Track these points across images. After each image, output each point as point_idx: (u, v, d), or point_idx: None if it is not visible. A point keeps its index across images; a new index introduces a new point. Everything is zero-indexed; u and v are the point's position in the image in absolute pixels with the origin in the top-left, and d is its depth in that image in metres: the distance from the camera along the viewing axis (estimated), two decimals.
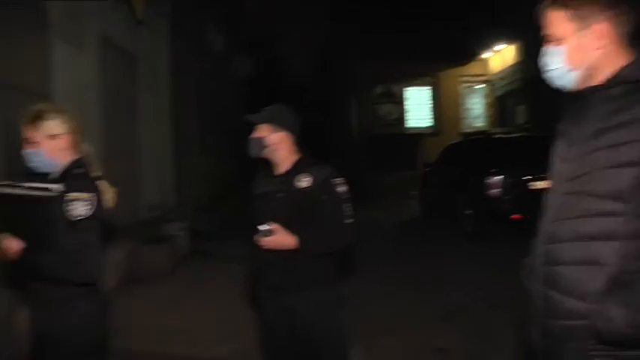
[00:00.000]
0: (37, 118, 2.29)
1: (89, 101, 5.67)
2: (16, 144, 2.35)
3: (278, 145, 2.77)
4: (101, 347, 2.46)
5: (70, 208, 2.14)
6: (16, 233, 2.23)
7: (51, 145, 2.30)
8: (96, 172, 2.41)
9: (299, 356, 2.88)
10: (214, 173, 10.37)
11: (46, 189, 2.15)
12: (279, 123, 2.78)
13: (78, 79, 5.46)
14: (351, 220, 2.72)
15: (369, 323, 4.47)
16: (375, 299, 5.31)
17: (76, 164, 2.34)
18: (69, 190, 2.16)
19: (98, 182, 2.34)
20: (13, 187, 2.21)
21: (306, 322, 2.76)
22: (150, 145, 7.64)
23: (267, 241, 2.64)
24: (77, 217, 2.15)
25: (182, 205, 8.49)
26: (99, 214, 2.21)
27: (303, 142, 2.88)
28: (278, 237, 2.62)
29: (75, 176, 2.26)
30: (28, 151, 2.32)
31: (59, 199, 2.14)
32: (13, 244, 2.21)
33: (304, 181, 2.70)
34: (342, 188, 2.73)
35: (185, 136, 8.97)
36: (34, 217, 2.20)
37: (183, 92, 8.89)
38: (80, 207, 2.15)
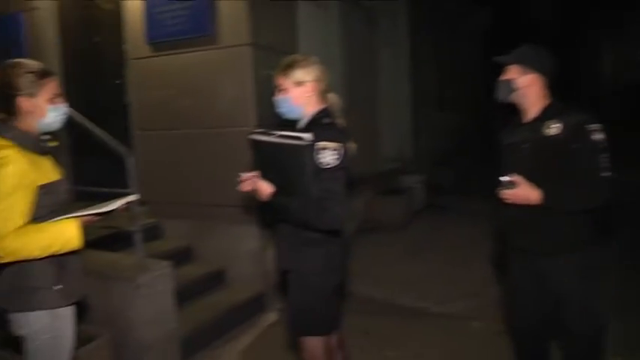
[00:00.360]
0: (287, 67, 2.36)
1: (332, 57, 5.82)
2: (266, 97, 2.42)
3: (528, 89, 2.46)
4: (340, 290, 2.50)
5: (318, 156, 2.15)
6: (269, 178, 2.33)
7: (298, 91, 2.35)
8: (341, 122, 2.40)
9: (548, 324, 2.57)
10: (452, 127, 10.00)
11: (298, 137, 2.18)
12: (529, 64, 2.45)
13: (322, 37, 5.63)
14: (608, 174, 2.29)
15: (623, 298, 3.86)
16: (631, 273, 4.55)
17: (323, 113, 2.35)
18: (318, 139, 2.17)
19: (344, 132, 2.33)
20: (268, 134, 2.30)
21: (558, 290, 2.44)
22: (389, 99, 7.65)
23: (509, 195, 2.38)
24: (325, 165, 2.15)
25: (419, 159, 8.40)
26: (345, 163, 2.20)
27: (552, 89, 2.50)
28: (520, 190, 2.35)
29: (323, 126, 2.27)
30: (278, 98, 2.40)
31: (309, 148, 2.16)
32: (266, 188, 2.32)
33: (553, 128, 2.34)
34: (598, 136, 2.31)
35: (423, 90, 8.77)
36: (285, 163, 2.26)
37: (421, 46, 8.66)
38: (328, 156, 2.16)
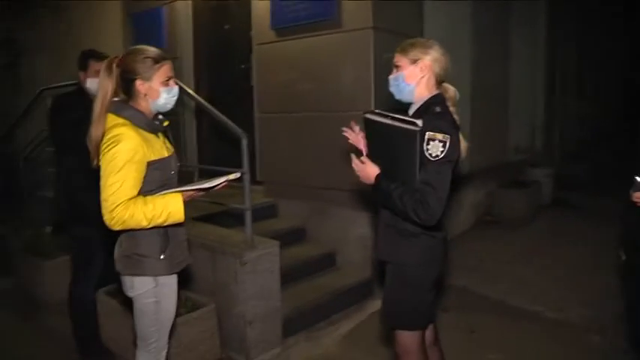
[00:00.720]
0: (407, 45, 2.30)
1: (460, 41, 5.57)
2: (386, 82, 2.37)
3: None
4: (438, 284, 2.41)
5: (425, 146, 2.06)
6: (378, 160, 2.28)
7: (411, 69, 2.26)
8: (456, 113, 2.29)
9: None
10: (590, 116, 9.11)
11: (412, 122, 2.09)
12: None
13: (449, 21, 5.39)
14: None
15: None
16: None
17: (435, 100, 2.25)
18: (426, 128, 2.08)
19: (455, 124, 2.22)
20: (383, 116, 2.23)
21: None
22: (520, 84, 7.14)
23: None
24: (431, 157, 2.06)
25: (550, 150, 7.82)
26: (452, 156, 2.08)
27: None
28: None
29: (434, 114, 2.17)
30: (391, 76, 2.34)
31: (421, 135, 2.07)
32: (372, 169, 2.27)
33: None
34: None
35: (560, 74, 8.08)
36: (395, 146, 2.18)
37: (559, 27, 7.96)
38: (435, 147, 2.05)
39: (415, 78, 2.26)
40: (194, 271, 3.64)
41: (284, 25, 4.64)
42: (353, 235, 4.45)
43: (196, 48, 5.73)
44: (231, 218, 4.18)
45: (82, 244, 3.34)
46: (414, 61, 2.25)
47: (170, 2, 5.65)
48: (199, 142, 5.77)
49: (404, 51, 2.27)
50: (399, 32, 4.24)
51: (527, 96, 7.40)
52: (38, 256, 4.45)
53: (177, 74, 5.41)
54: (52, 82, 5.07)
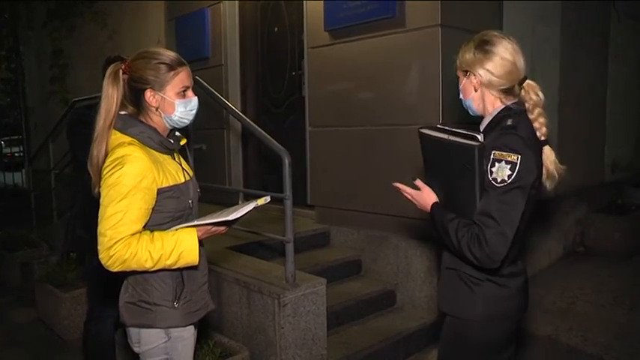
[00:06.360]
0: (463, 47, 1.92)
1: (546, 40, 5.04)
2: (451, 86, 2.09)
3: None
4: (510, 342, 1.98)
5: (489, 169, 1.71)
6: (436, 183, 1.97)
7: (464, 82, 1.92)
8: (540, 123, 1.87)
9: None
10: None
11: (472, 136, 1.76)
12: None
13: (535, 16, 4.87)
14: None
15: None
16: None
17: (506, 112, 1.85)
18: (493, 145, 1.73)
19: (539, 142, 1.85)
20: (442, 131, 1.89)
21: None
22: (621, 90, 6.45)
23: None
24: (495, 182, 1.70)
25: None
26: (524, 181, 1.69)
27: None
28: None
29: (503, 128, 1.78)
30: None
31: (480, 152, 1.72)
32: (428, 196, 1.95)
33: None
34: None
35: None
36: (452, 167, 1.85)
37: None
38: (501, 170, 1.69)
39: (469, 93, 1.91)
40: (226, 310, 3.36)
41: (339, 26, 4.34)
42: (417, 269, 4.04)
43: (243, 54, 5.51)
44: (273, 249, 3.88)
45: (99, 275, 3.12)
46: (465, 73, 1.89)
47: (215, 3, 5.47)
48: (245, 162, 5.54)
49: (458, 57, 1.91)
50: (473, 30, 3.80)
51: (629, 103, 6.68)
52: (57, 287, 4.27)
53: (223, 82, 5.28)
54: (94, 93, 4.99)
